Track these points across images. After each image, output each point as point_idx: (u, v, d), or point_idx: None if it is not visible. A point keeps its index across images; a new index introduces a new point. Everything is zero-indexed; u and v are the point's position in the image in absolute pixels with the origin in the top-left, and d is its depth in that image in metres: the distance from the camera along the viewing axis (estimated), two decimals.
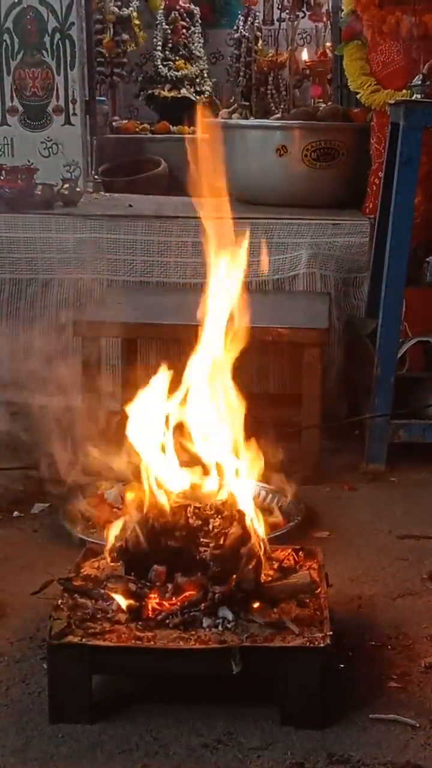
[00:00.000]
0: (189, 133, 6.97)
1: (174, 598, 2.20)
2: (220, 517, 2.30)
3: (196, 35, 7.64)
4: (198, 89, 7.49)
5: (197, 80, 7.51)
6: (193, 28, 7.63)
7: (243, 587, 2.20)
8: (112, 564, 2.32)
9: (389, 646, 2.42)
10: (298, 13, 6.99)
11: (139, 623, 2.15)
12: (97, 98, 5.71)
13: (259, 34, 7.53)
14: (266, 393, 4.09)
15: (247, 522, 2.26)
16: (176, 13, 7.49)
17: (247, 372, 4.09)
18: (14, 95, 5.04)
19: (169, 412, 2.39)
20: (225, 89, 7.71)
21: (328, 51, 6.83)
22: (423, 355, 3.99)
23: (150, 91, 7.47)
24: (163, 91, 7.40)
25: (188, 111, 7.30)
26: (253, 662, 2.08)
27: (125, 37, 7.21)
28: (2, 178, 4.43)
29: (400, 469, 3.61)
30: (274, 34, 7.52)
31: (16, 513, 3.23)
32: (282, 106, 6.98)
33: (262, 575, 2.28)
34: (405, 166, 3.48)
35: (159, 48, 7.49)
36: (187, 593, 2.20)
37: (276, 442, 3.44)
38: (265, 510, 3.09)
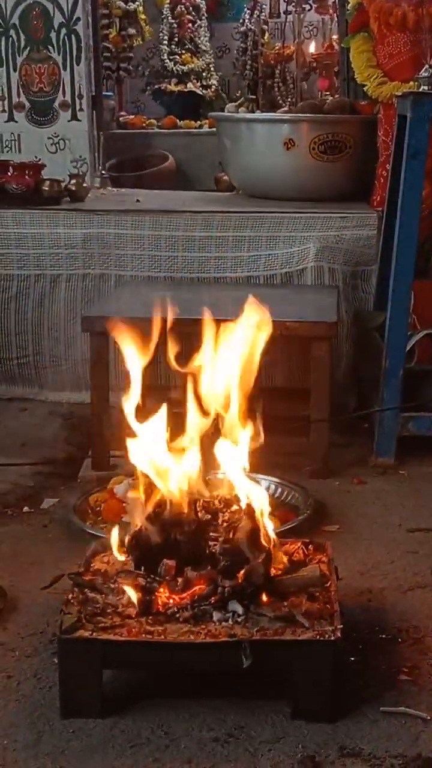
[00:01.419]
0: (195, 128, 6.99)
1: (184, 592, 2.20)
2: (229, 510, 2.30)
3: (202, 29, 7.64)
4: (204, 83, 7.49)
5: (204, 74, 7.51)
6: (199, 22, 7.63)
7: (253, 581, 2.20)
8: (121, 559, 2.32)
9: (400, 639, 2.42)
10: (304, 5, 6.98)
11: (150, 617, 2.15)
12: (103, 93, 5.72)
13: (265, 27, 7.52)
14: (275, 387, 4.09)
15: (257, 516, 2.26)
16: (182, 7, 7.49)
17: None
18: (21, 91, 5.04)
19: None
20: (231, 83, 7.71)
21: (334, 43, 6.83)
22: (431, 347, 3.98)
23: (156, 86, 7.47)
24: (170, 85, 7.40)
25: (195, 105, 7.33)
26: (264, 656, 2.08)
27: (131, 31, 7.21)
28: (10, 174, 4.43)
29: (409, 463, 3.60)
30: (281, 27, 7.51)
31: (26, 508, 3.24)
32: (289, 100, 6.99)
33: (272, 569, 2.28)
34: (412, 159, 3.47)
35: (165, 42, 7.49)
36: (197, 587, 2.20)
37: (285, 436, 3.46)
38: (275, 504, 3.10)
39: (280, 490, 3.26)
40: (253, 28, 7.44)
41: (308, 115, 4.61)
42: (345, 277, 4.07)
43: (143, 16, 7.35)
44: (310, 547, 2.48)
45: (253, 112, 6.30)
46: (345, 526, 3.11)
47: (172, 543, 2.25)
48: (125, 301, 3.84)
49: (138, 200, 4.66)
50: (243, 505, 2.29)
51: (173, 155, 6.61)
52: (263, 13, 7.55)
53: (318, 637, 2.09)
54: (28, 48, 4.99)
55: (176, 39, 7.54)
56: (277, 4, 7.56)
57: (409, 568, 2.82)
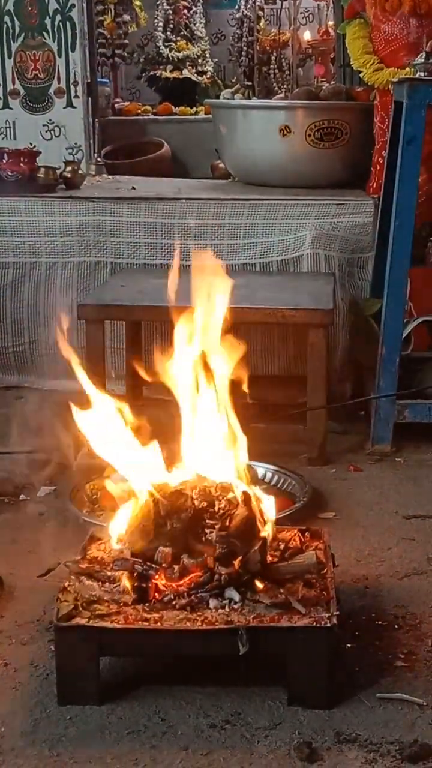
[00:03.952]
0: (191, 115, 6.96)
1: (181, 580, 2.20)
2: (225, 498, 2.30)
3: (197, 15, 7.61)
4: (200, 70, 7.46)
5: (199, 61, 7.48)
6: (194, 8, 7.60)
7: (249, 568, 2.20)
8: (118, 546, 2.32)
9: (396, 626, 2.42)
10: None
11: (146, 605, 2.16)
12: (98, 80, 5.69)
13: (260, 13, 7.49)
14: (271, 374, 4.09)
15: (253, 503, 2.26)
16: None
17: (252, 353, 4.10)
18: (15, 78, 5.02)
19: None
20: (227, 69, 7.69)
21: (330, 30, 6.81)
22: (428, 334, 3.98)
23: (152, 72, 7.44)
24: (165, 72, 7.37)
25: (190, 92, 7.31)
26: (260, 642, 2.08)
27: (126, 18, 7.18)
28: (5, 161, 4.42)
29: (405, 450, 3.60)
30: (276, 13, 7.48)
31: (22, 497, 3.24)
32: (285, 86, 6.96)
33: (268, 556, 2.28)
34: (408, 145, 3.47)
35: (160, 29, 7.46)
36: (193, 575, 2.20)
37: (282, 423, 3.46)
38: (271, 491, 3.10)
39: (276, 477, 3.26)
40: (248, 14, 7.40)
41: (304, 101, 4.59)
42: (341, 264, 4.06)
43: (138, 3, 7.31)
44: (306, 534, 2.49)
45: (249, 99, 6.29)
46: (341, 513, 3.11)
47: (168, 530, 2.25)
48: (120, 289, 3.83)
49: (133, 187, 4.64)
50: (239, 492, 2.29)
51: (169, 142, 6.59)
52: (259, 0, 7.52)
53: (314, 623, 2.10)
54: (23, 35, 4.96)
55: (171, 25, 7.51)
56: None
57: (406, 554, 2.83)
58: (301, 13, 7.30)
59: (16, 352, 4.28)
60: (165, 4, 7.49)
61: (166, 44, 7.44)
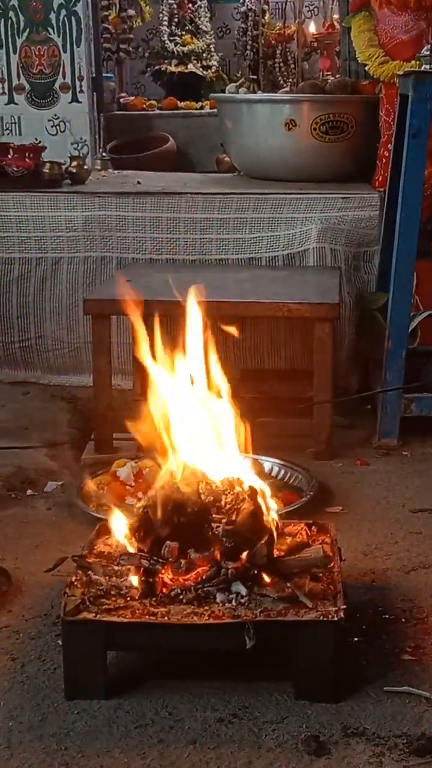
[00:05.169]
0: (196, 109, 6.95)
1: (187, 574, 2.20)
2: (232, 492, 2.30)
3: (202, 9, 7.58)
4: (205, 64, 7.44)
5: (204, 55, 7.46)
6: (199, 2, 7.58)
7: (256, 562, 2.20)
8: (124, 542, 2.33)
9: (403, 619, 2.42)
10: None
11: (153, 599, 2.16)
12: (103, 75, 5.69)
13: (266, 7, 7.45)
14: (278, 368, 4.09)
15: (259, 497, 2.26)
16: None
17: (259, 348, 4.10)
18: (21, 73, 5.02)
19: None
20: (232, 63, 7.67)
21: (335, 23, 6.77)
22: None
23: (157, 67, 7.42)
24: (170, 66, 7.35)
25: (196, 86, 7.29)
26: (267, 636, 2.08)
27: (131, 12, 7.16)
28: (10, 156, 4.42)
29: (412, 443, 3.60)
30: (281, 7, 7.45)
31: (29, 492, 3.24)
32: (290, 80, 6.93)
33: (275, 550, 2.28)
34: (414, 138, 3.46)
35: (165, 23, 7.44)
36: (200, 569, 2.20)
37: (288, 417, 3.46)
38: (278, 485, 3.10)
39: (283, 471, 3.26)
40: (253, 8, 7.38)
41: (309, 95, 4.59)
42: (347, 258, 4.06)
43: None
44: (313, 528, 2.49)
45: (254, 93, 6.27)
46: (348, 507, 3.11)
47: (175, 525, 2.25)
48: (127, 283, 3.82)
49: (139, 182, 4.64)
50: (246, 487, 2.29)
51: (174, 137, 6.58)
52: None
53: (321, 617, 2.10)
54: (28, 30, 4.96)
55: (176, 20, 7.49)
56: None
57: (413, 548, 2.83)
58: (306, 6, 7.28)
59: (23, 347, 4.29)
60: None
61: (171, 39, 7.42)
